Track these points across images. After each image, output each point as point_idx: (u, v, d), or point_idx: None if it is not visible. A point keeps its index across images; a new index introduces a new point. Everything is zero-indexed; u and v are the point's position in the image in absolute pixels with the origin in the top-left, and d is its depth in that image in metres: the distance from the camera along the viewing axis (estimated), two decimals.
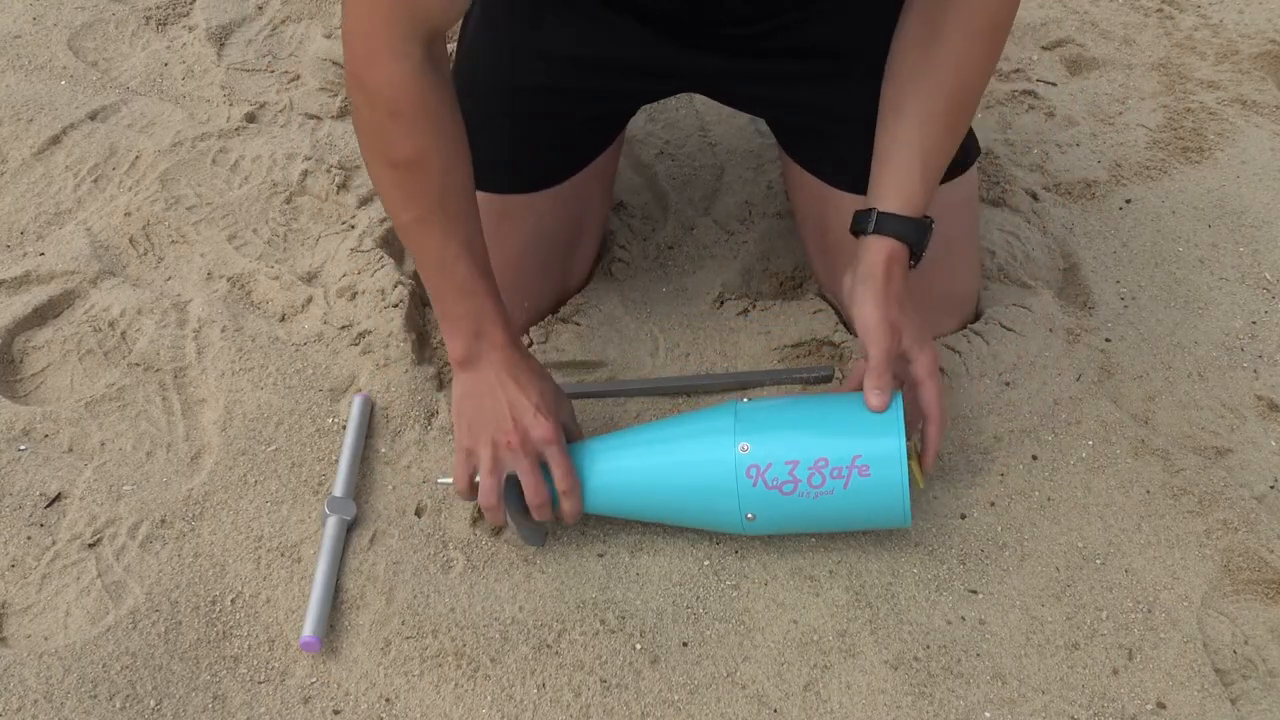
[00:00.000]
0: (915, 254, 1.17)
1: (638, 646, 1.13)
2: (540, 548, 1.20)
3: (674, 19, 1.27)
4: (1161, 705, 1.09)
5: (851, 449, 1.10)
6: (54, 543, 1.20)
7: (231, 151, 1.68)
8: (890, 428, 1.10)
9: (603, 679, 1.11)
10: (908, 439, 1.11)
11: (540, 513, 1.15)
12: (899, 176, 1.17)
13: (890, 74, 1.20)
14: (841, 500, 1.11)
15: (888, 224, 1.15)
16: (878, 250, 1.15)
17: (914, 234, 1.16)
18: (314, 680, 1.10)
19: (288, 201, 1.59)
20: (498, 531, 1.23)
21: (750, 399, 1.18)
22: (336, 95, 1.79)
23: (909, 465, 1.11)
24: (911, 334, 1.15)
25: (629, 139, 1.66)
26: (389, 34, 1.07)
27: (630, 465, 1.16)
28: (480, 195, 1.35)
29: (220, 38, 1.90)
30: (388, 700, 1.09)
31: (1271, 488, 1.26)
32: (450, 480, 1.19)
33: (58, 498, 1.24)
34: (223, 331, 1.40)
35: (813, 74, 1.30)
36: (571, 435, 1.19)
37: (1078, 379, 1.36)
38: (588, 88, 1.33)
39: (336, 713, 1.08)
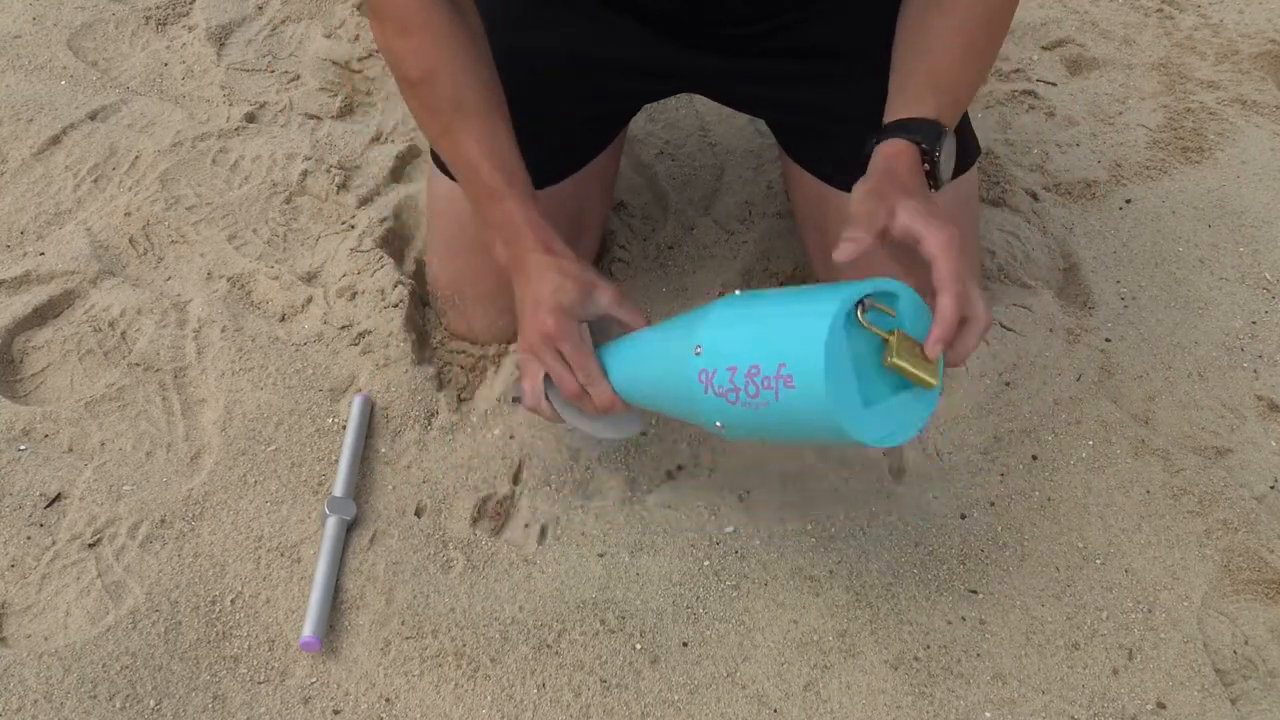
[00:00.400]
0: (927, 154, 1.06)
1: (638, 646, 1.13)
2: (640, 433, 1.23)
3: (674, 19, 1.27)
4: (1161, 705, 1.09)
5: (778, 354, 0.94)
6: (54, 543, 1.20)
7: (231, 151, 1.68)
8: (815, 329, 0.92)
9: (603, 679, 1.11)
10: (899, 338, 0.95)
11: (583, 404, 1.13)
12: (905, 92, 1.11)
13: (902, 14, 1.18)
14: (780, 413, 0.95)
15: (888, 131, 1.08)
16: (880, 154, 1.07)
17: (921, 132, 1.06)
18: (314, 680, 1.10)
19: (288, 201, 1.59)
20: (498, 531, 1.23)
21: (745, 290, 1.05)
22: (336, 95, 1.79)
23: (898, 362, 0.94)
24: (915, 209, 0.99)
25: (629, 139, 1.66)
26: None
27: (629, 358, 1.11)
28: None
29: (220, 38, 1.90)
30: (388, 700, 1.09)
31: (1271, 488, 1.26)
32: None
33: (58, 498, 1.24)
34: (223, 331, 1.40)
35: (813, 74, 1.30)
36: (607, 331, 1.15)
37: (1078, 379, 1.36)
38: (587, 87, 1.33)
39: (336, 713, 1.08)
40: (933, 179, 1.07)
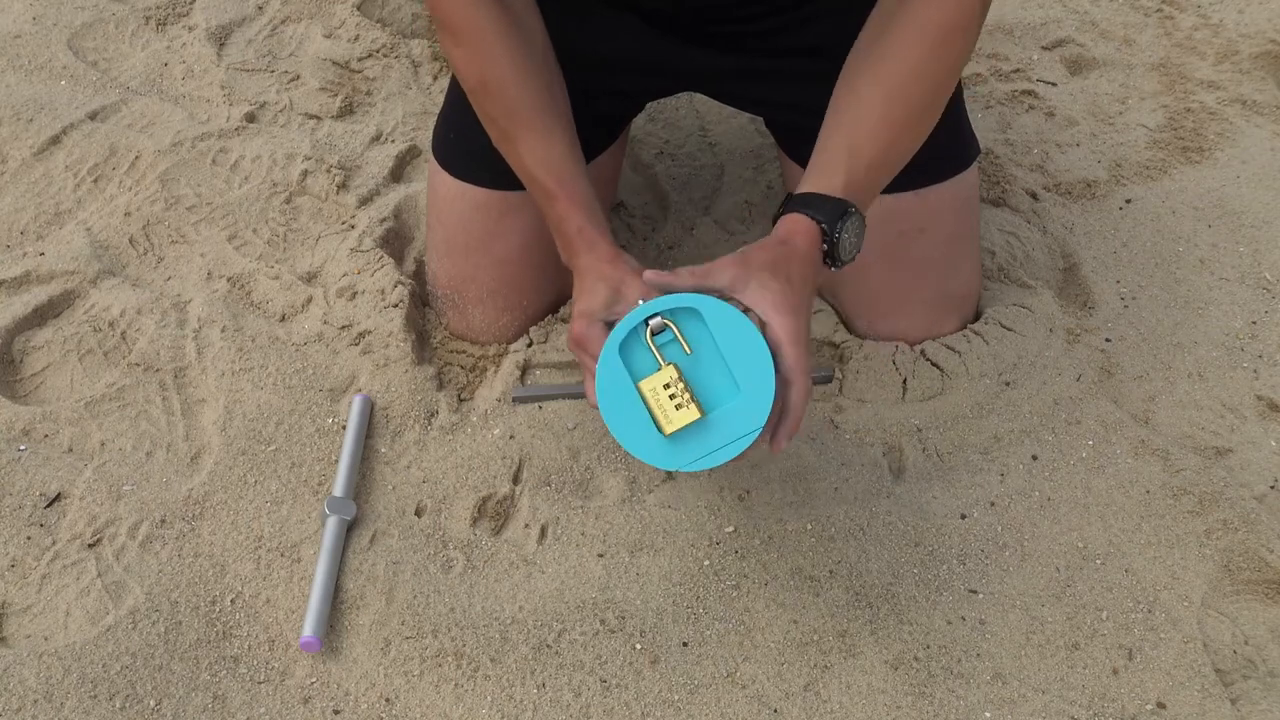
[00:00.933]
0: (826, 234, 1.05)
1: (638, 646, 1.13)
2: None
3: (670, 16, 1.27)
4: (1161, 705, 1.09)
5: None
6: (54, 543, 1.20)
7: (231, 151, 1.68)
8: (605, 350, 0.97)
9: (603, 679, 1.11)
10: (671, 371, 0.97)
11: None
12: (819, 163, 1.11)
13: (841, 74, 1.16)
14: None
15: (793, 204, 1.07)
16: (782, 225, 1.07)
17: (824, 210, 1.05)
18: (314, 680, 1.10)
19: (288, 201, 1.59)
20: (498, 531, 1.23)
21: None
22: (336, 95, 1.79)
23: (644, 393, 0.96)
24: (767, 296, 1.00)
25: (629, 139, 1.66)
26: None
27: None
28: (481, 191, 1.36)
29: (220, 38, 1.90)
30: (388, 700, 1.09)
31: (1271, 488, 1.26)
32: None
33: (58, 498, 1.24)
34: (223, 331, 1.40)
35: (812, 73, 1.29)
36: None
37: (1078, 379, 1.36)
38: (586, 86, 1.33)
39: (336, 713, 1.08)
40: (830, 258, 1.06)
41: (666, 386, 0.96)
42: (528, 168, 1.17)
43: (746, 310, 1.00)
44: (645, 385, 0.97)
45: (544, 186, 1.16)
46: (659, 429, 0.96)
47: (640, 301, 1.01)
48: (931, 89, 1.13)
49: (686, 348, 0.98)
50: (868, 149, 1.09)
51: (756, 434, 0.96)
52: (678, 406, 0.96)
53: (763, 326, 1.00)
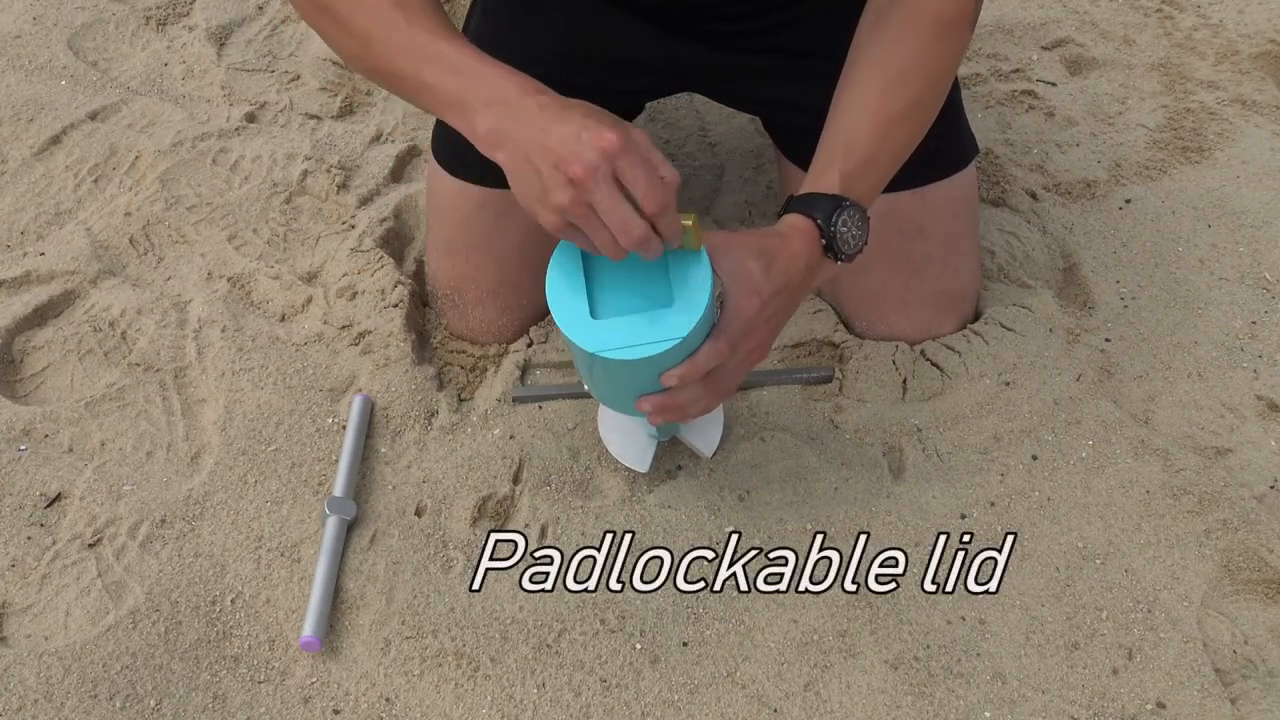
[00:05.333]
0: (824, 230, 1.06)
1: (638, 646, 1.13)
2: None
3: (669, 14, 1.27)
4: (1161, 705, 1.09)
5: None
6: (54, 543, 1.20)
7: (231, 151, 1.68)
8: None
9: (603, 679, 1.11)
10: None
11: (647, 247, 0.94)
12: (817, 162, 1.11)
13: (842, 70, 1.16)
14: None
15: (792, 205, 1.09)
16: (783, 222, 1.07)
17: (820, 208, 1.06)
18: (314, 680, 1.10)
19: (288, 201, 1.59)
20: (498, 531, 1.23)
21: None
22: (337, 95, 1.79)
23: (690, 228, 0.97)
24: (748, 278, 1.01)
25: None
26: None
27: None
28: (480, 191, 1.36)
29: (220, 38, 1.90)
30: (388, 700, 1.09)
31: (1271, 488, 1.26)
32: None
33: (58, 498, 1.24)
34: (223, 331, 1.40)
35: (807, 72, 1.30)
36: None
37: (1078, 379, 1.36)
38: (585, 84, 1.33)
39: (336, 713, 1.08)
40: (831, 252, 1.08)
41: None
42: (414, 52, 1.02)
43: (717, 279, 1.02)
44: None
45: (444, 57, 1.01)
46: (591, 313, 1.00)
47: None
48: (929, 82, 1.13)
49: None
50: (864, 144, 1.10)
51: (669, 345, 0.97)
52: None
53: (722, 297, 1.01)
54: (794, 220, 1.08)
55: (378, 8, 1.04)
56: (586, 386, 1.13)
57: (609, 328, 1.00)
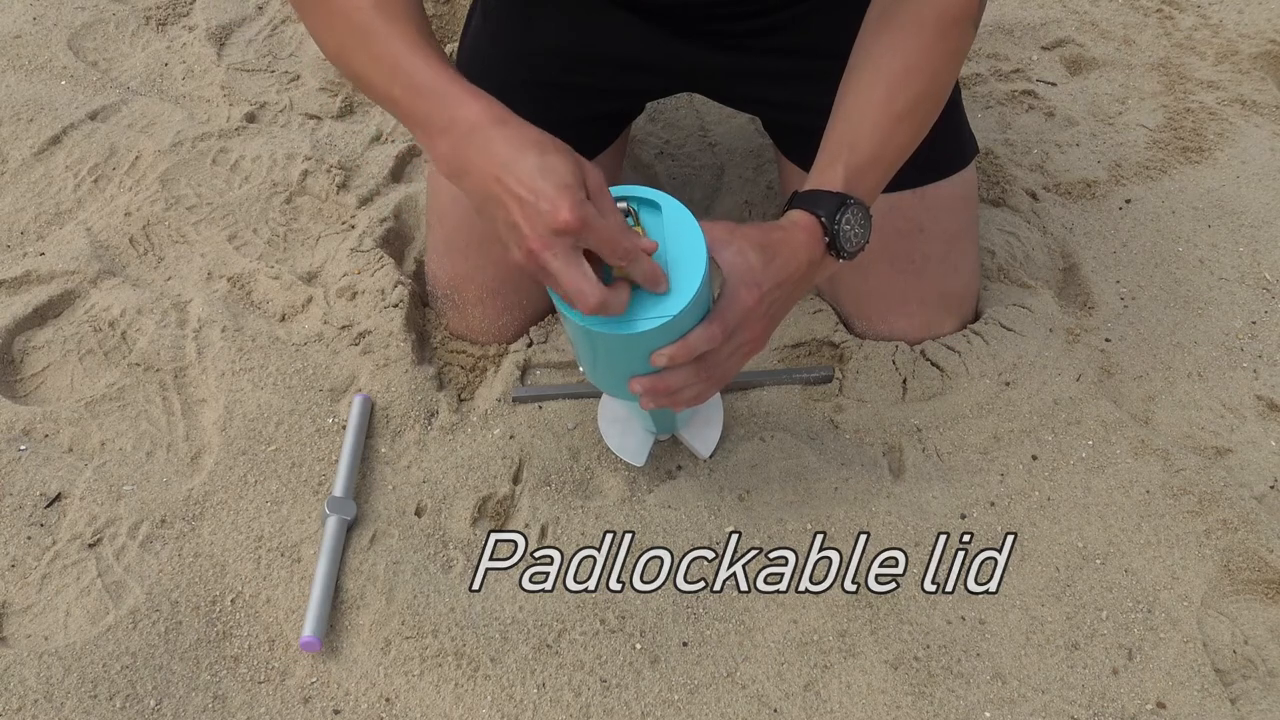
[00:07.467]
0: (827, 227, 1.07)
1: (638, 646, 1.13)
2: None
3: (669, 14, 1.27)
4: (1161, 705, 1.09)
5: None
6: (54, 543, 1.20)
7: (231, 151, 1.68)
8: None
9: (603, 679, 1.11)
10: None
11: (612, 302, 0.94)
12: (821, 159, 1.12)
13: (846, 69, 1.16)
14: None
15: (796, 201, 1.09)
16: (787, 218, 1.08)
17: (823, 205, 1.07)
18: (314, 680, 1.10)
19: (288, 201, 1.59)
20: (498, 531, 1.23)
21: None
22: (337, 95, 1.79)
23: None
24: (745, 268, 1.01)
25: (629, 139, 1.66)
26: None
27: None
28: None
29: (220, 38, 1.90)
30: (388, 700, 1.09)
31: (1271, 488, 1.26)
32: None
33: (58, 498, 1.24)
34: (223, 331, 1.40)
35: (806, 72, 1.30)
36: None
37: (1078, 379, 1.36)
38: (585, 83, 1.33)
39: (336, 713, 1.08)
40: (834, 249, 1.08)
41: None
42: (386, 61, 1.02)
43: (718, 270, 1.02)
44: None
45: (417, 73, 1.00)
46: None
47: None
48: (932, 80, 1.13)
49: (641, 231, 0.99)
50: (868, 142, 1.10)
51: (659, 322, 0.96)
52: None
53: (721, 287, 1.01)
54: (798, 216, 1.08)
55: (360, 8, 1.04)
56: (582, 369, 1.12)
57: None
